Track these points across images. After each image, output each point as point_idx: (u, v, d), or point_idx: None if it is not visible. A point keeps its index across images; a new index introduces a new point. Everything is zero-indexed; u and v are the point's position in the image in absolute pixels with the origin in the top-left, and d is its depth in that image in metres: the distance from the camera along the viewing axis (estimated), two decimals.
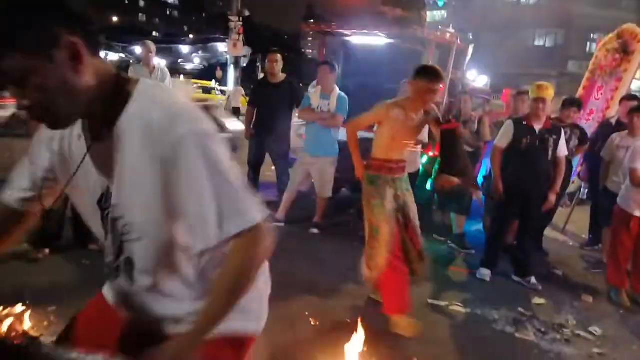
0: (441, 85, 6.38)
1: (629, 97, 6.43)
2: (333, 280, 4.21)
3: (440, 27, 6.50)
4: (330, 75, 5.46)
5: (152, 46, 6.81)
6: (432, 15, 24.72)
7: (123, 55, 29.27)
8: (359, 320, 2.94)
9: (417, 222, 3.61)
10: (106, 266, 1.35)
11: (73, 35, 1.05)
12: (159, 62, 6.82)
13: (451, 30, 6.63)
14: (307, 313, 3.53)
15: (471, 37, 23.27)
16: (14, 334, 2.68)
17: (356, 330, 3.05)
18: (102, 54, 3.71)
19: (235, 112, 17.68)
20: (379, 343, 3.12)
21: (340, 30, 6.58)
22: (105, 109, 1.16)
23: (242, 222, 1.15)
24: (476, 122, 5.58)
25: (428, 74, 3.45)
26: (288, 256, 4.54)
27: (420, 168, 5.74)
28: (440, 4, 22.37)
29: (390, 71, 6.26)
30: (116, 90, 1.17)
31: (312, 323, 3.40)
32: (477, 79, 8.39)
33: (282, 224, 5.54)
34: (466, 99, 5.65)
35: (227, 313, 1.20)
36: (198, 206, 1.14)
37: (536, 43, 32.71)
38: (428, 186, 6.02)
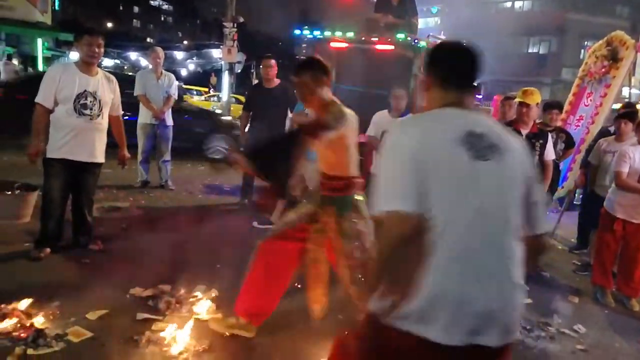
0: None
1: (627, 105, 6.60)
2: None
3: (430, 34, 6.64)
4: None
5: (161, 52, 6.94)
6: (426, 22, 24.94)
7: (118, 61, 29.35)
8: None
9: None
10: None
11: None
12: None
13: (442, 36, 6.78)
14: (298, 311, 3.62)
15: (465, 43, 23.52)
16: (22, 327, 2.83)
17: (345, 326, 3.15)
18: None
19: None
20: None
21: (333, 37, 6.72)
22: None
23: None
24: None
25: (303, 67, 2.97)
26: None
27: None
28: (433, 10, 22.59)
29: (382, 77, 6.39)
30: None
31: (304, 320, 3.49)
32: None
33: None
34: None
35: None
36: None
37: (530, 50, 32.98)
38: None
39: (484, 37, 28.75)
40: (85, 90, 4.01)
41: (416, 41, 6.14)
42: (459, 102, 1.71)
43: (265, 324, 3.24)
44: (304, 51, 7.71)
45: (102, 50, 4.14)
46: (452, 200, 1.51)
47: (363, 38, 6.49)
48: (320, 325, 3.42)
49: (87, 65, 4.07)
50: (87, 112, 4.02)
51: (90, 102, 4.03)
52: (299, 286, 4.05)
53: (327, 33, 6.76)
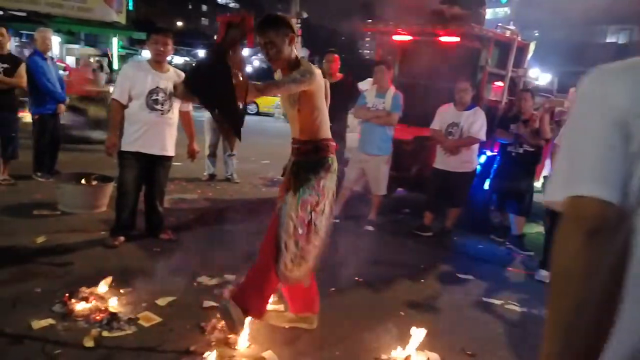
0: (501, 84, 6.36)
1: None
2: (387, 275, 4.30)
3: (498, 24, 6.41)
4: (386, 74, 5.55)
5: None
6: (494, 12, 24.07)
7: (187, 59, 30.35)
8: (408, 313, 3.00)
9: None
10: None
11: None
12: None
13: (511, 27, 6.53)
14: (361, 305, 3.65)
15: (537, 34, 22.51)
16: (97, 310, 3.00)
17: (409, 323, 3.13)
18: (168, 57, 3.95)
19: None
20: (431, 336, 3.19)
21: (397, 30, 6.62)
22: None
23: None
24: (537, 120, 5.48)
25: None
26: (343, 251, 4.68)
27: (478, 167, 5.70)
28: (503, 0, 21.77)
29: (447, 70, 6.25)
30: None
31: (366, 314, 3.50)
32: (540, 77, 8.16)
33: (337, 220, 5.66)
34: (526, 97, 5.56)
35: None
36: None
37: (608, 40, 31.05)
38: (486, 186, 5.98)
39: (558, 26, 27.35)
40: (157, 87, 4.19)
41: (484, 32, 5.94)
42: None
43: (327, 316, 3.28)
44: (367, 45, 7.63)
45: (169, 48, 4.28)
46: None
47: (428, 30, 6.35)
48: (383, 318, 3.41)
49: (157, 62, 4.25)
50: (159, 107, 4.20)
51: (162, 97, 4.21)
52: (360, 280, 4.08)
53: (391, 26, 6.67)
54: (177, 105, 4.36)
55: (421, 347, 2.95)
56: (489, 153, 5.96)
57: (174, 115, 4.37)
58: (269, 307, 3.39)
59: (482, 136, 5.34)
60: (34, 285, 3.34)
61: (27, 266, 3.66)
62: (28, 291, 3.25)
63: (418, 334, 2.94)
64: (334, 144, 2.98)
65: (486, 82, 6.13)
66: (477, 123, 5.31)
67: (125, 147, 4.24)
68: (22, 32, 17.67)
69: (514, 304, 4.00)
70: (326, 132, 2.95)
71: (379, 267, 4.46)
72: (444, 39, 6.35)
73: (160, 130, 4.27)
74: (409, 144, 6.14)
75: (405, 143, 6.11)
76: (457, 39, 6.26)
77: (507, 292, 4.24)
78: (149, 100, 4.17)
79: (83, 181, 5.25)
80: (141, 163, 4.28)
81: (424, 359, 2.89)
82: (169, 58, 4.45)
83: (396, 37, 6.87)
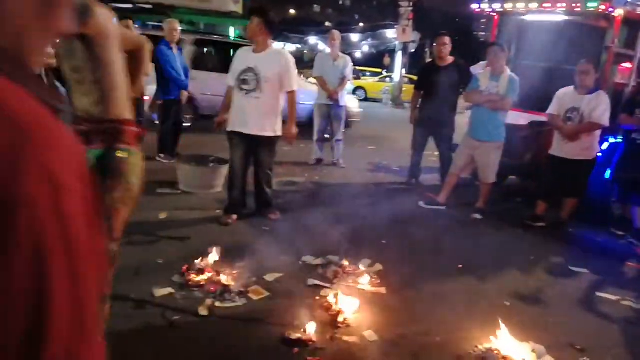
0: (629, 65, 5.79)
1: None
2: (493, 265, 4.18)
3: (629, 0, 5.82)
4: (501, 56, 5.30)
5: (337, 35, 7.30)
6: None
7: (299, 46, 31.05)
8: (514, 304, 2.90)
9: None
10: None
11: None
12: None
13: None
14: (464, 293, 3.59)
15: None
16: (211, 282, 3.24)
17: (514, 314, 3.04)
18: (280, 44, 4.16)
19: None
20: (537, 328, 3.08)
21: (514, 9, 6.29)
22: None
23: None
24: None
25: None
26: (448, 238, 4.62)
27: (599, 155, 5.28)
28: None
29: (569, 51, 5.83)
30: None
31: (469, 302, 3.44)
32: None
33: (443, 208, 5.58)
34: None
35: None
36: None
37: None
38: (607, 175, 5.53)
39: None
40: (247, 67, 4.30)
41: (611, 10, 5.45)
42: None
43: (429, 302, 3.28)
44: (482, 27, 7.33)
45: (257, 29, 4.26)
46: None
47: (548, 8, 5.95)
48: (487, 307, 3.34)
49: (255, 44, 4.40)
50: (245, 87, 4.30)
51: (250, 77, 4.29)
52: (462, 267, 4.01)
53: (508, 5, 6.33)
54: (268, 85, 4.27)
55: (526, 339, 2.86)
56: (612, 140, 5.50)
57: (263, 95, 4.27)
58: (369, 288, 3.45)
59: (605, 122, 4.94)
60: (155, 257, 3.66)
61: (150, 239, 4.02)
62: (150, 261, 3.57)
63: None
64: (134, 129, 2.08)
65: (612, 63, 5.63)
66: (599, 108, 4.91)
67: (229, 127, 4.47)
68: (148, 23, 19.17)
69: (631, 301, 3.71)
70: (121, 107, 2.01)
71: (484, 256, 4.34)
72: (566, 17, 5.93)
73: (249, 110, 4.31)
74: (523, 129, 5.84)
75: (519, 129, 5.81)
76: (581, 17, 5.82)
77: (624, 289, 3.93)
78: (239, 81, 4.32)
79: (204, 164, 5.63)
80: (245, 143, 4.43)
81: (529, 351, 2.79)
82: (279, 45, 4.61)
83: (513, 17, 6.54)
